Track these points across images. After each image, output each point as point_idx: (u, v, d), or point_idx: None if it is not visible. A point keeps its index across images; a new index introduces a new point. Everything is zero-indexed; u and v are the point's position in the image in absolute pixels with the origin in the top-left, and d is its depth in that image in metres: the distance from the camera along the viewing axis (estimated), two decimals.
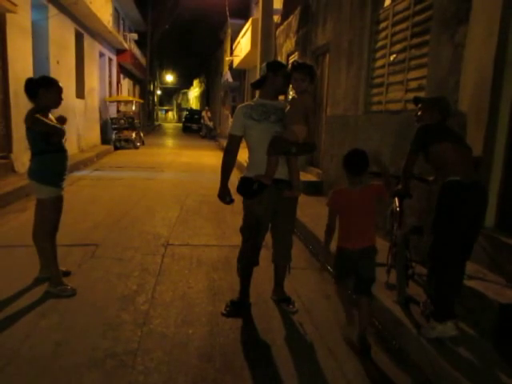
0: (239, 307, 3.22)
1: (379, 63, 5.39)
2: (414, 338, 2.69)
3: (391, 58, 5.04)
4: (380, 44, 5.37)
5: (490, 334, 2.65)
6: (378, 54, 5.42)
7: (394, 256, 3.32)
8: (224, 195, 3.16)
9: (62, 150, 3.43)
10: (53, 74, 9.83)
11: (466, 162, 2.74)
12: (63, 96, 3.46)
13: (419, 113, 3.10)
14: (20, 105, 7.63)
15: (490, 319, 2.72)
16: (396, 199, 3.33)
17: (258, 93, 3.37)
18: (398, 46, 4.88)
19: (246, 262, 3.20)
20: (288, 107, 3.05)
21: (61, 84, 3.43)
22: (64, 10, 10.99)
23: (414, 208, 3.91)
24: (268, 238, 3.29)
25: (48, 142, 3.29)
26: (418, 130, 2.92)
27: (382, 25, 5.31)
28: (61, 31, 11.00)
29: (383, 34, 5.28)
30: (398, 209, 3.28)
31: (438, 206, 2.72)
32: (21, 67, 8.31)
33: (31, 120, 3.24)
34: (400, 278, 3.10)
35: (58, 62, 10.64)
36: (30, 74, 8.69)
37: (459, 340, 2.62)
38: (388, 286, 3.37)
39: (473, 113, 3.47)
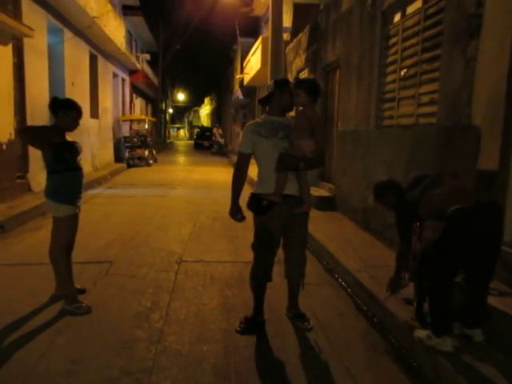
0: (253, 324, 3.19)
1: (390, 78, 5.41)
2: (433, 356, 2.63)
3: (402, 73, 5.06)
4: (390, 59, 5.40)
5: None
6: (389, 69, 5.44)
7: (412, 270, 3.27)
8: (235, 213, 3.17)
9: (77, 169, 3.48)
10: (68, 96, 10.03)
11: (455, 190, 2.74)
12: None
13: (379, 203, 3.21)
14: None
15: None
16: None
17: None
18: (408, 61, 4.90)
19: (259, 278, 3.18)
20: (293, 123, 3.07)
21: (81, 111, 3.49)
22: (79, 33, 11.32)
23: (428, 222, 3.87)
24: (281, 254, 3.27)
25: (61, 161, 3.34)
26: (396, 217, 3.01)
27: (392, 40, 5.35)
28: (76, 54, 11.30)
29: (393, 50, 5.31)
30: (417, 224, 3.24)
31: (445, 233, 2.66)
32: (37, 89, 8.54)
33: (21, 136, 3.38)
34: (418, 292, 3.05)
35: (72, 84, 10.90)
36: (46, 95, 8.93)
37: (478, 357, 2.55)
38: (406, 300, 3.31)
39: (487, 126, 3.45)
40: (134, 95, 22.15)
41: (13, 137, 7.55)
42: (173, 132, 64.30)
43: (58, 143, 3.33)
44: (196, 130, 39.18)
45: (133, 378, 2.53)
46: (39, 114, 8.38)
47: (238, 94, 22.36)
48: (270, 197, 2.99)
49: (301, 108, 3.11)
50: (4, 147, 7.18)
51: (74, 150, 3.44)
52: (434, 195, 2.75)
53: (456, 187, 2.80)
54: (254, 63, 15.70)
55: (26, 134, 3.47)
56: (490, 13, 3.43)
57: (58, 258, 3.44)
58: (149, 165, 16.09)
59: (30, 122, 8.03)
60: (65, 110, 3.38)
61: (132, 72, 20.19)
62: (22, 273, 4.23)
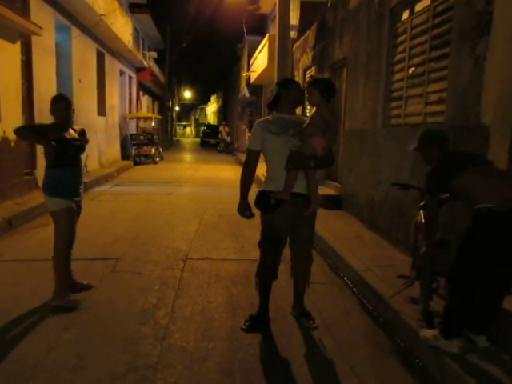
0: (258, 322, 3.19)
1: (397, 76, 5.37)
2: (439, 356, 2.61)
3: (410, 71, 5.02)
4: (398, 57, 5.36)
5: None
6: (397, 68, 5.40)
7: (417, 269, 3.25)
8: (244, 210, 3.16)
9: (74, 166, 3.52)
10: (75, 93, 10.11)
11: (496, 184, 2.54)
12: (85, 114, 3.59)
13: (419, 153, 2.99)
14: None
15: None
16: (421, 212, 3.27)
17: None
18: (416, 59, 4.86)
19: (265, 276, 3.18)
20: (306, 121, 3.06)
21: (66, 100, 3.59)
22: (86, 31, 11.36)
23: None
24: (286, 252, 3.27)
25: (54, 156, 3.39)
26: (427, 176, 2.79)
27: (400, 38, 5.31)
28: (83, 51, 11.34)
29: (401, 48, 5.27)
30: (423, 221, 3.22)
31: (468, 234, 2.56)
32: (45, 87, 8.59)
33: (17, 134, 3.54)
34: (424, 291, 3.03)
35: (80, 81, 10.94)
36: (53, 93, 8.94)
37: (484, 358, 2.54)
38: (412, 299, 3.30)
39: (496, 125, 3.41)
40: (141, 93, 22.20)
41: None
42: (179, 130, 64.45)
43: (54, 139, 3.38)
44: (202, 128, 39.23)
45: (138, 374, 2.55)
46: (47, 111, 8.26)
47: (245, 91, 22.34)
48: (278, 194, 2.99)
49: (315, 108, 3.09)
50: (12, 144, 7.23)
51: (70, 146, 3.48)
52: (477, 175, 2.57)
53: (501, 183, 2.57)
54: (260, 61, 15.67)
55: (21, 132, 3.56)
56: (500, 10, 3.39)
57: (57, 253, 3.46)
58: (155, 162, 16.15)
59: (37, 120, 8.08)
60: (53, 103, 3.51)
61: (139, 70, 20.24)
62: (28, 269, 4.26)
